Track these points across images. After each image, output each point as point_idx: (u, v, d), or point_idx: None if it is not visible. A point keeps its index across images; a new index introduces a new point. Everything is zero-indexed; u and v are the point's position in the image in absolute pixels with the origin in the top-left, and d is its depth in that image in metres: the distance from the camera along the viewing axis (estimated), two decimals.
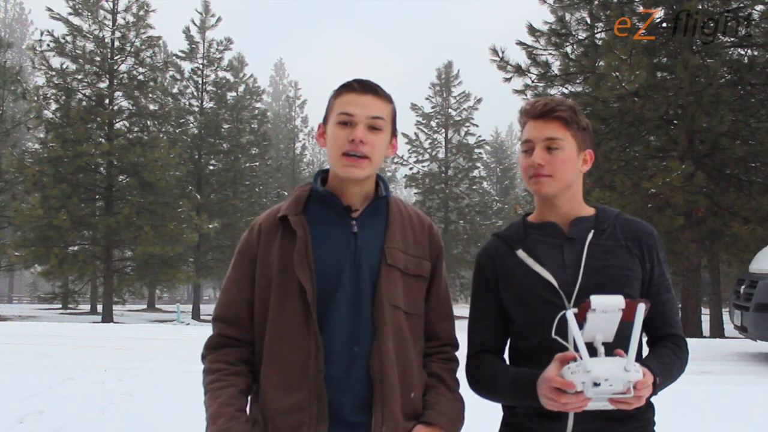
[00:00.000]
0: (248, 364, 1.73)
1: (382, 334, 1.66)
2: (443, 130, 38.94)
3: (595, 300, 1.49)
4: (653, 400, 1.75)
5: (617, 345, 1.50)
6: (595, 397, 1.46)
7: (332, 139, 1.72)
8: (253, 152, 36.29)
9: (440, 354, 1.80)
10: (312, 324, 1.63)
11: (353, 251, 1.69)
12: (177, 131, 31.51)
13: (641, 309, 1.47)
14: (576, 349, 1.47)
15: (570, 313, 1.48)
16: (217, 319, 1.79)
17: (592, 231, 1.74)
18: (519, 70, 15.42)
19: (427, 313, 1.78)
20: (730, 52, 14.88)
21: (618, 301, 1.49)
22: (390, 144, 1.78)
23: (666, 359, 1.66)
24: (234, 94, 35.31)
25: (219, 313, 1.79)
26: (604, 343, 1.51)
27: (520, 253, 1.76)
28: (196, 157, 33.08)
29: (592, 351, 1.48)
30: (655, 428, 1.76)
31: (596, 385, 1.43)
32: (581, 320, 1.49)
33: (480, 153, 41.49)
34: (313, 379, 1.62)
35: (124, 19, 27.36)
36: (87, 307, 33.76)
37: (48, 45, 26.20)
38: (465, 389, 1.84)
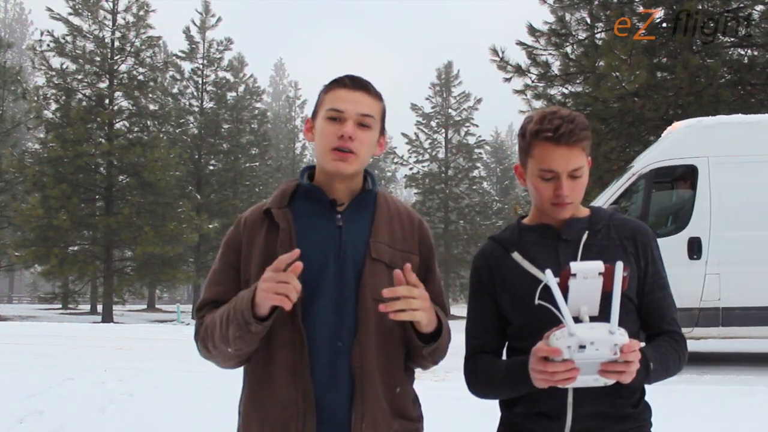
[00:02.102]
0: None
1: (364, 329, 1.65)
2: (443, 130, 38.96)
3: (575, 266, 1.52)
4: (650, 401, 1.75)
5: (603, 321, 1.50)
6: (582, 364, 1.45)
7: (321, 133, 1.71)
8: (253, 152, 36.33)
9: None
10: (296, 317, 1.62)
11: (337, 244, 1.68)
12: (177, 131, 31.55)
13: (619, 267, 1.47)
14: (561, 317, 1.47)
15: (549, 273, 1.49)
16: (201, 306, 1.77)
17: (587, 232, 1.74)
18: (519, 70, 15.42)
19: None
20: (730, 52, 14.87)
21: (597, 265, 1.51)
22: (378, 142, 1.78)
23: (661, 349, 1.66)
24: (234, 94, 35.37)
25: (202, 302, 1.78)
26: (590, 319, 1.52)
27: (516, 256, 1.76)
28: (196, 157, 33.10)
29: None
30: (652, 429, 1.76)
31: (582, 348, 1.43)
32: (564, 290, 1.50)
33: (480, 153, 41.52)
34: (299, 374, 1.62)
35: (124, 19, 27.41)
36: (87, 307, 33.78)
37: (48, 45, 26.25)
38: (464, 393, 1.85)
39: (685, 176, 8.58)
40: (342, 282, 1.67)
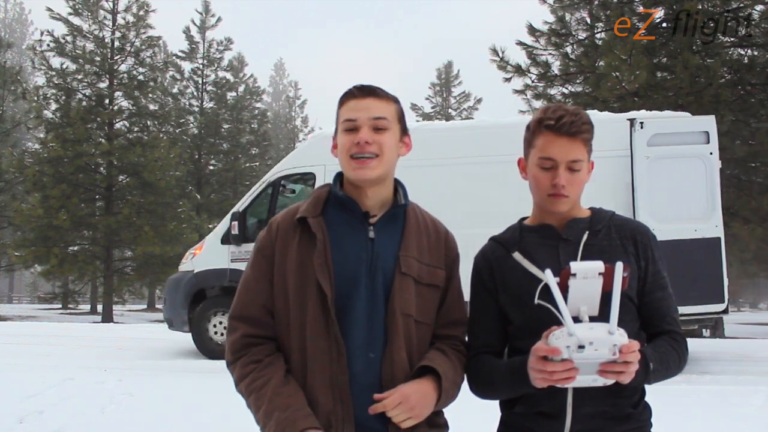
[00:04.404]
0: (278, 352, 1.73)
1: (394, 342, 1.67)
2: None
3: (575, 265, 1.52)
4: (650, 401, 1.75)
5: (603, 321, 1.50)
6: (581, 364, 1.45)
7: (340, 146, 1.75)
8: (253, 152, 36.30)
9: (448, 340, 1.80)
10: (332, 327, 1.64)
11: (369, 257, 1.70)
12: (177, 131, 31.51)
13: (619, 267, 1.48)
14: (560, 317, 1.47)
15: (549, 273, 1.50)
16: (236, 318, 1.77)
17: (587, 232, 1.75)
18: (519, 70, 15.41)
19: (440, 320, 1.79)
20: (730, 52, 14.85)
21: (597, 265, 1.52)
22: (402, 142, 1.79)
23: (661, 349, 1.66)
24: (234, 94, 35.33)
25: (238, 312, 1.77)
26: (590, 319, 1.52)
27: (516, 256, 1.77)
28: (196, 157, 33.07)
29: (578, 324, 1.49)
30: (652, 430, 1.76)
31: (581, 348, 1.43)
32: (564, 289, 1.51)
33: None
34: (337, 383, 1.63)
35: (124, 19, 27.35)
36: (87, 307, 33.73)
37: (48, 45, 26.19)
38: (465, 393, 1.85)
39: (306, 183, 9.21)
40: (373, 295, 1.69)
